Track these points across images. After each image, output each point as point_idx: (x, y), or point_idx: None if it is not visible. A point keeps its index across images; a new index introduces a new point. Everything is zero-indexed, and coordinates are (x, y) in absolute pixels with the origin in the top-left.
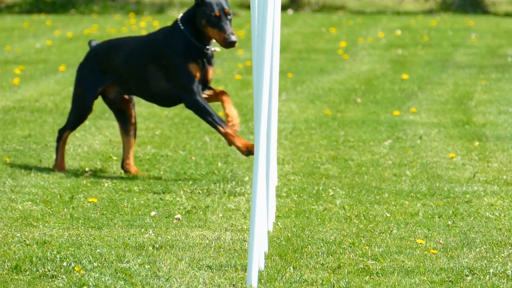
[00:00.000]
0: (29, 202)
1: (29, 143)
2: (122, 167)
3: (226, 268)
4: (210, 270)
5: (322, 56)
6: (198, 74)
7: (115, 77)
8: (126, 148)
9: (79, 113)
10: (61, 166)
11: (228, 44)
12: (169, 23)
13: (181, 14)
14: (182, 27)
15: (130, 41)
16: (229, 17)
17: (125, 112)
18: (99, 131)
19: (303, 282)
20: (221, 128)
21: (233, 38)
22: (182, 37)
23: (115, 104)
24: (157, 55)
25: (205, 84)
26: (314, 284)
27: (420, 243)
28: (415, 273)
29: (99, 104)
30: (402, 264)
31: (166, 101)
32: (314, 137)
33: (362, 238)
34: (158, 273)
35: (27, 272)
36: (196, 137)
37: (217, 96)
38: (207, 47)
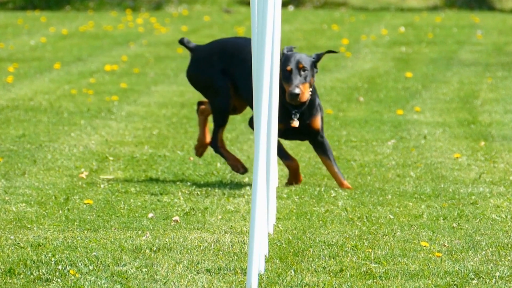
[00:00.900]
0: (23, 204)
1: (23, 143)
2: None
3: (225, 272)
4: (209, 274)
5: None
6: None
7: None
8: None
9: (223, 117)
10: (202, 141)
11: (290, 96)
12: (167, 20)
13: None
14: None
15: (245, 63)
16: (302, 72)
17: (235, 108)
18: (95, 130)
19: (304, 286)
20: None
21: (296, 90)
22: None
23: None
24: None
25: (310, 138)
26: None
27: (425, 246)
28: (419, 277)
29: (94, 103)
30: (406, 268)
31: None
32: None
33: (364, 241)
34: (155, 276)
35: (21, 276)
36: (195, 137)
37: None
38: (295, 111)
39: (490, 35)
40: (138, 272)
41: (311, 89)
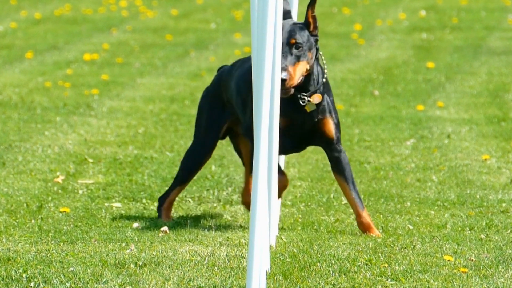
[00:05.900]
0: None
1: None
2: None
3: None
4: None
5: (334, 41)
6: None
7: None
8: None
9: None
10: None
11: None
12: (154, 3)
13: None
14: None
15: None
16: (294, 50)
17: None
18: (73, 128)
19: None
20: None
21: (283, 74)
22: None
23: None
24: None
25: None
26: None
27: (448, 260)
28: None
29: (71, 97)
30: (427, 285)
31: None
32: None
33: (380, 255)
34: None
35: None
36: (186, 136)
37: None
38: (301, 96)
39: None
40: None
41: (309, 69)
